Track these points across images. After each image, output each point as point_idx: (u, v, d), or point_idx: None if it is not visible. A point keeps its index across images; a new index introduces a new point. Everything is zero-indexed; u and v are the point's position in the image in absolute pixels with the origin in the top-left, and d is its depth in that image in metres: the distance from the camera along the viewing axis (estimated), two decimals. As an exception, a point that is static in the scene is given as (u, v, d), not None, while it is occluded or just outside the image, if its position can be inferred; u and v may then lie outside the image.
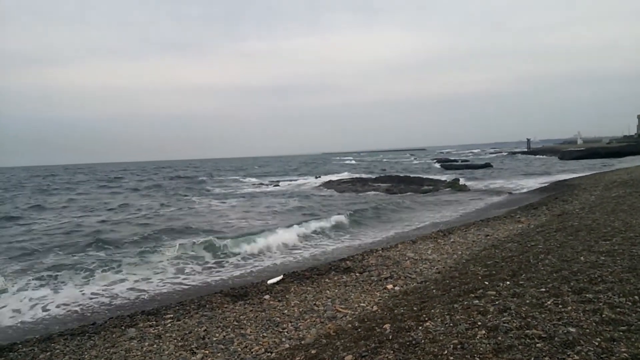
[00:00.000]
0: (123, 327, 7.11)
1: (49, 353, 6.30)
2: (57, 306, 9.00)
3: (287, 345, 5.69)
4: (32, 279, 10.64)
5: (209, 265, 12.00)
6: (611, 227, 9.11)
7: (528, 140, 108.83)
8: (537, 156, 74.32)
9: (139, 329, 6.93)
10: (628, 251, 6.86)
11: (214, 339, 6.21)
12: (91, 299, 9.42)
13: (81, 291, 9.87)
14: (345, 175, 47.88)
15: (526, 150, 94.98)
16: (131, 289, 10.05)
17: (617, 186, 18.17)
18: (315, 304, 7.33)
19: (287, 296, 7.96)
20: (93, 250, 13.95)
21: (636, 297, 4.89)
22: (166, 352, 5.90)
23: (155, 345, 6.17)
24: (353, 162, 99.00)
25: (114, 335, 6.76)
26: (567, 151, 74.75)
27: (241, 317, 7.03)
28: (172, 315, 7.49)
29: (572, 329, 4.21)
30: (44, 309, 8.86)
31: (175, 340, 6.28)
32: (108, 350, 6.18)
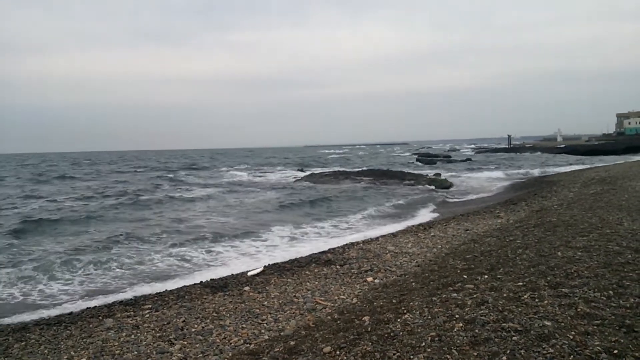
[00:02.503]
0: (100, 317, 7.03)
1: (23, 343, 6.21)
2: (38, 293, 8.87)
3: (266, 337, 5.69)
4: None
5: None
6: (588, 223, 9.26)
7: (509, 136, 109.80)
8: (518, 153, 75.21)
9: (116, 320, 6.85)
10: (604, 247, 6.99)
11: (193, 329, 6.18)
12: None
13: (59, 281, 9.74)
14: (328, 168, 47.98)
15: (507, 147, 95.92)
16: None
17: (595, 183, 18.46)
18: (295, 296, 7.33)
19: (267, 288, 7.94)
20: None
21: (610, 292, 4.98)
22: (144, 343, 5.85)
23: (132, 336, 6.11)
24: (336, 155, 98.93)
25: (90, 325, 6.68)
26: (547, 148, 75.78)
27: (220, 308, 7.00)
28: (150, 306, 7.42)
29: (548, 323, 4.28)
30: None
31: (153, 331, 6.23)
32: (85, 340, 6.10)
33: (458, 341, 4.15)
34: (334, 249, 11.12)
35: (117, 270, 10.42)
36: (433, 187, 27.13)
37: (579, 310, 4.53)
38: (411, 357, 4.02)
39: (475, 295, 5.41)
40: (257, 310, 6.78)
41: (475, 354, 3.88)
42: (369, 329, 4.96)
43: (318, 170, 42.96)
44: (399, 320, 5.02)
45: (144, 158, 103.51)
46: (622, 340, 3.83)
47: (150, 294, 8.36)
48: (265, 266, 9.66)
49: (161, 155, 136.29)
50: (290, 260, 10.27)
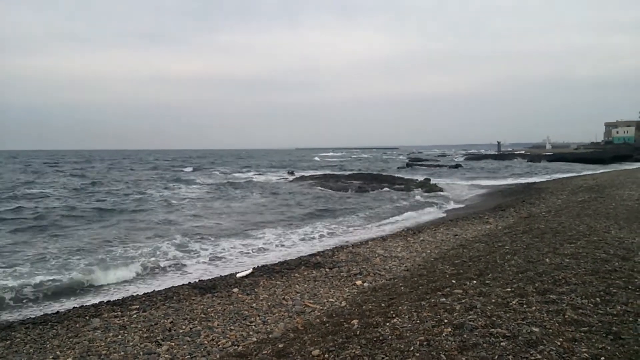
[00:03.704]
0: (87, 317, 6.96)
1: (9, 342, 6.13)
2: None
3: (255, 339, 5.66)
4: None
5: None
6: (576, 230, 9.33)
7: (498, 143, 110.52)
8: (507, 160, 75.72)
9: (103, 319, 6.79)
10: (591, 254, 7.04)
11: (181, 331, 6.14)
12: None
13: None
14: (318, 171, 48.00)
15: (496, 153, 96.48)
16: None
17: (583, 191, 18.63)
18: (284, 298, 7.32)
19: (256, 290, 7.92)
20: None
21: (598, 299, 5.02)
22: (131, 343, 5.80)
23: (119, 336, 6.06)
24: (328, 159, 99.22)
25: (77, 325, 6.62)
26: (535, 155, 76.37)
27: (209, 309, 6.96)
28: (138, 306, 7.37)
29: (536, 329, 4.30)
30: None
31: (141, 332, 6.18)
32: (71, 340, 6.04)
33: (446, 346, 4.16)
34: (323, 251, 11.11)
35: (105, 269, 10.33)
36: (422, 191, 27.22)
37: (566, 316, 4.56)
38: (400, 361, 4.03)
39: (463, 301, 5.43)
40: (246, 312, 6.75)
41: (463, 359, 3.89)
42: (358, 332, 4.95)
43: (308, 173, 42.97)
44: (387, 324, 5.02)
45: (134, 157, 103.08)
46: (609, 347, 3.87)
47: (138, 294, 8.31)
48: (254, 268, 9.62)
49: (151, 154, 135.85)
50: (279, 262, 10.25)
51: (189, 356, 5.33)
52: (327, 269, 9.06)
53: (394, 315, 5.30)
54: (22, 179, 38.24)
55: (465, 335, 4.33)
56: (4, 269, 10.07)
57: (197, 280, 9.04)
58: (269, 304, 7.09)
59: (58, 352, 5.65)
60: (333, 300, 7.07)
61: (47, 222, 16.64)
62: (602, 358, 3.70)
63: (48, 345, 5.90)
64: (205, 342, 5.72)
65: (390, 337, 4.60)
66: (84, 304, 7.96)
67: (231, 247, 12.68)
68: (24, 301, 8.45)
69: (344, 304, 6.72)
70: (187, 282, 8.93)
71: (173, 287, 8.68)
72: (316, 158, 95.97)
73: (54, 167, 55.83)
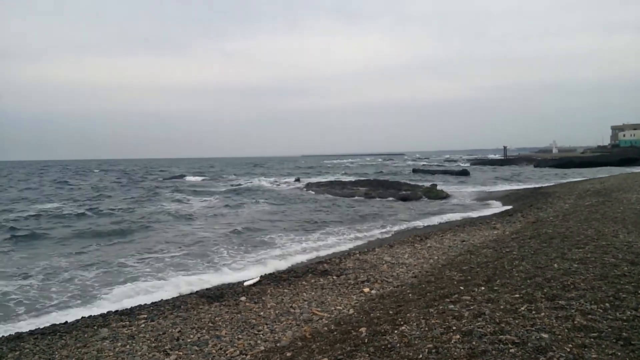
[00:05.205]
0: (95, 327, 6.99)
1: (18, 352, 6.16)
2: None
3: (263, 348, 5.66)
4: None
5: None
6: (584, 235, 9.27)
7: (505, 148, 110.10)
8: (513, 165, 75.24)
9: (111, 329, 6.81)
10: (600, 259, 6.99)
11: (189, 340, 6.15)
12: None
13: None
14: (326, 178, 48.06)
15: (503, 158, 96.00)
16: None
17: (591, 195, 18.52)
18: (291, 307, 7.31)
19: (263, 298, 7.91)
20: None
21: (607, 304, 4.98)
22: (139, 353, 5.81)
23: (128, 346, 6.08)
24: (338, 165, 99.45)
25: (85, 335, 6.64)
26: (542, 160, 75.98)
27: (216, 318, 6.97)
28: (146, 316, 7.39)
29: (545, 335, 4.27)
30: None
31: (149, 341, 6.19)
32: (79, 350, 6.06)
33: (455, 353, 4.13)
34: (330, 259, 11.10)
35: (115, 282, 10.37)
36: (429, 197, 27.16)
37: (575, 322, 4.53)
38: (408, 369, 4.01)
39: (472, 307, 5.40)
40: (254, 320, 6.75)
41: (472, 366, 3.87)
42: (366, 340, 4.94)
43: (315, 180, 43.00)
44: (396, 331, 5.00)
45: (140, 166, 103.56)
46: (619, 354, 3.83)
47: (145, 304, 8.33)
48: (261, 276, 9.63)
49: (157, 164, 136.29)
50: (286, 270, 10.25)
51: (197, 365, 5.34)
52: (334, 277, 9.05)
53: (402, 323, 5.28)
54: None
55: (474, 342, 4.30)
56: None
57: (204, 289, 9.04)
58: (277, 312, 7.09)
59: (67, 363, 5.67)
60: (341, 308, 7.05)
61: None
62: (613, 364, 3.67)
63: (57, 356, 5.93)
64: (214, 351, 5.73)
65: (398, 344, 4.58)
66: (92, 314, 7.98)
67: (233, 258, 12.69)
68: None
69: (351, 311, 6.70)
70: (194, 291, 8.94)
71: (181, 295, 8.70)
72: (329, 164, 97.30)
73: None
